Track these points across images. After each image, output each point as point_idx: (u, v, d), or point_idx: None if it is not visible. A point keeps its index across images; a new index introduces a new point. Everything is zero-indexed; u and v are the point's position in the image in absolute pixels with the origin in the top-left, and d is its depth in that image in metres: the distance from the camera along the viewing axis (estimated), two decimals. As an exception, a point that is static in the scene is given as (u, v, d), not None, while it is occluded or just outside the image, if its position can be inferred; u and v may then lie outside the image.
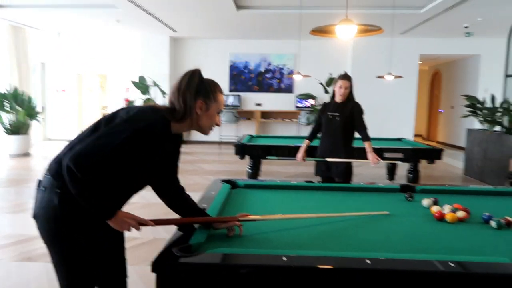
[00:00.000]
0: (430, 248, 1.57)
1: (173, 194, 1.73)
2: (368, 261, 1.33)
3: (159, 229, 3.80)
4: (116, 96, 10.92)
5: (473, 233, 1.80)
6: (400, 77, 7.37)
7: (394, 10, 6.62)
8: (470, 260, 1.38)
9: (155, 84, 9.51)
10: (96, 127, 1.53)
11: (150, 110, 1.53)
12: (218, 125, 1.65)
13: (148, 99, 9.31)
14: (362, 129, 3.54)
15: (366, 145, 3.55)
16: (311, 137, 3.81)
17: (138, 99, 9.37)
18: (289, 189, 2.59)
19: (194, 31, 9.81)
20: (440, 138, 12.55)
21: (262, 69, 11.07)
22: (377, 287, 1.32)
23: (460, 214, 1.96)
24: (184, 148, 8.63)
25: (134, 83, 9.20)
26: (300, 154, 3.80)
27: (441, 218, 1.96)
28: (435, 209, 2.04)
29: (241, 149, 4.98)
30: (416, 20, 7.74)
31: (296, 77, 7.86)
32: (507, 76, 6.82)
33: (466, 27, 8.34)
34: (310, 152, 3.93)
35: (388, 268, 1.32)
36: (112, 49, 10.44)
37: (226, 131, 10.92)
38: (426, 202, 2.21)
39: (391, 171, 6.33)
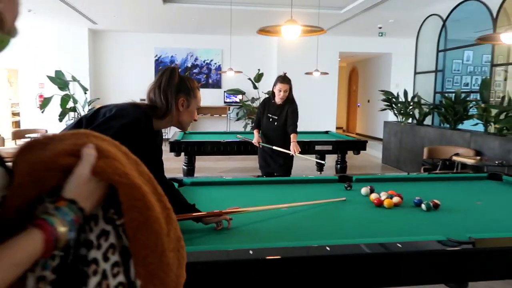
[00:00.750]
0: (377, 232, 1.73)
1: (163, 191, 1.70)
2: (328, 248, 1.43)
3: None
4: (28, 92, 10.01)
5: (408, 216, 2.01)
6: (326, 73, 7.79)
7: (319, 10, 6.94)
8: (411, 240, 1.55)
9: (74, 79, 8.89)
10: (77, 127, 1.52)
11: (131, 107, 1.56)
12: (195, 120, 1.70)
13: (67, 96, 8.67)
14: (291, 124, 3.60)
15: (292, 137, 3.60)
16: (258, 126, 3.85)
17: (56, 96, 8.68)
18: (236, 184, 2.63)
19: (116, 24, 9.33)
20: (359, 130, 13.48)
21: (189, 64, 10.91)
22: (336, 271, 1.42)
23: (396, 199, 2.17)
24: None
25: (50, 78, 8.49)
26: (256, 139, 3.80)
27: (379, 204, 2.14)
28: (373, 196, 2.23)
29: (176, 146, 4.90)
30: (337, 19, 8.20)
31: (229, 73, 7.91)
32: (416, 73, 7.55)
33: (380, 28, 9.05)
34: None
35: (345, 253, 1.43)
36: (24, 42, 9.51)
37: (154, 128, 10.59)
38: (364, 190, 2.39)
39: (320, 163, 6.67)
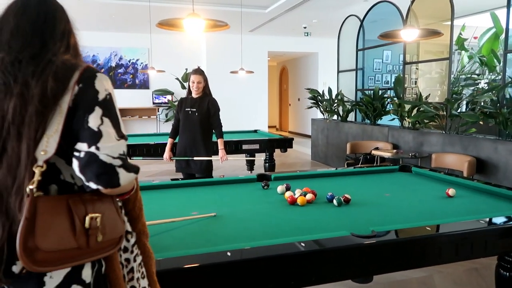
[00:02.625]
0: (285, 232, 1.69)
1: None
2: (229, 254, 1.36)
3: None
4: None
5: (319, 212, 2.01)
6: (251, 72, 7.80)
7: (241, 9, 6.93)
8: (318, 237, 1.54)
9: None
10: None
11: None
12: None
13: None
14: (217, 126, 3.63)
15: (219, 142, 3.67)
16: (173, 134, 3.72)
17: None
18: (149, 189, 2.48)
19: (28, 20, 8.57)
20: (291, 128, 13.78)
21: (113, 64, 10.38)
22: (241, 276, 1.35)
23: (308, 196, 2.17)
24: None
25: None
26: (166, 154, 3.68)
27: (293, 202, 2.13)
28: (287, 194, 2.21)
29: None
30: (262, 19, 8.27)
31: (151, 72, 7.61)
32: (339, 71, 7.84)
33: (304, 27, 9.29)
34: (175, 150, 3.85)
35: (250, 257, 1.37)
36: None
37: (76, 132, 9.93)
38: (280, 188, 2.37)
39: (250, 162, 6.68)
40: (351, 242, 1.51)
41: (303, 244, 1.45)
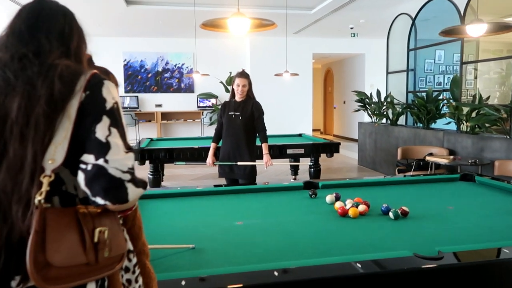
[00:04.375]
0: (337, 248, 1.53)
1: None
2: (276, 273, 1.22)
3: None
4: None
5: (374, 226, 1.83)
6: (296, 74, 7.63)
7: (287, 10, 6.79)
8: (376, 257, 1.36)
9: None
10: None
11: None
12: None
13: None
14: (261, 130, 3.51)
15: (263, 147, 3.55)
16: (217, 139, 3.66)
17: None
18: (192, 195, 2.41)
19: (81, 28, 8.94)
20: (336, 131, 13.42)
21: (159, 69, 10.60)
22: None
23: (361, 208, 1.99)
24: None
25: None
26: (210, 159, 3.62)
27: (344, 214, 1.96)
28: (337, 205, 2.04)
29: (139, 154, 4.63)
30: (308, 20, 8.08)
31: (195, 76, 7.65)
32: (388, 73, 7.48)
33: (351, 28, 8.98)
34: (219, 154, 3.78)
35: (300, 278, 1.23)
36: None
37: (125, 135, 10.23)
38: (329, 198, 2.21)
39: (295, 167, 6.51)
40: (415, 264, 1.32)
41: (359, 265, 1.28)
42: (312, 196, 2.34)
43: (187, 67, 10.60)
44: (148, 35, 9.87)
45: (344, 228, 1.80)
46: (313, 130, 12.09)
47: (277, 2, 6.58)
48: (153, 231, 1.74)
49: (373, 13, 7.41)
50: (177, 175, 6.98)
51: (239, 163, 3.39)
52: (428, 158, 4.73)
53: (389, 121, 6.83)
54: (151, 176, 4.91)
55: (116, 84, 1.37)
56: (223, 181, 3.76)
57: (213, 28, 2.39)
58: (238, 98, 3.50)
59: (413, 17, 6.59)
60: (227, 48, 10.73)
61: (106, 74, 1.34)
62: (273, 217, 1.97)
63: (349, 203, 2.06)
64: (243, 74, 3.48)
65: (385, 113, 6.84)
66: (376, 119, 6.97)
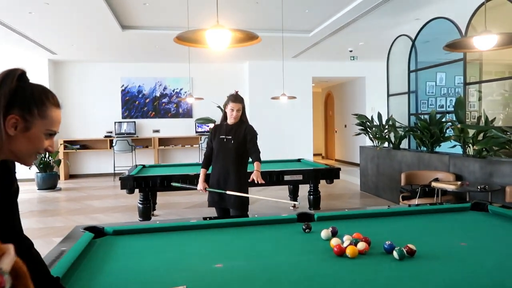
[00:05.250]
0: (331, 301, 1.26)
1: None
2: None
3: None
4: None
5: (376, 268, 1.56)
6: (294, 97, 7.46)
7: (284, 34, 6.69)
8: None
9: (32, 113, 8.32)
10: None
11: None
12: (50, 151, 1.14)
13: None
14: (254, 152, 3.29)
15: (255, 165, 3.31)
16: (206, 164, 3.43)
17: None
18: (171, 230, 2.15)
19: (77, 54, 8.89)
20: (338, 156, 13.17)
21: (157, 94, 10.49)
22: None
23: (361, 246, 1.72)
24: (68, 183, 7.45)
25: (5, 112, 7.93)
26: (201, 184, 3.39)
27: (341, 253, 1.69)
28: (334, 242, 1.78)
29: (127, 183, 4.39)
30: (306, 43, 7.99)
31: (192, 101, 7.51)
32: (389, 95, 7.31)
33: (350, 51, 8.89)
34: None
35: None
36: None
37: (121, 161, 10.03)
38: (324, 233, 1.94)
39: (294, 193, 6.24)
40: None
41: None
42: (306, 230, 2.08)
43: (185, 92, 10.49)
44: (146, 60, 9.81)
45: (340, 271, 1.53)
46: (314, 155, 11.84)
47: (274, 25, 6.47)
48: (113, 277, 1.48)
49: (372, 36, 7.31)
50: (171, 203, 6.71)
51: (228, 192, 3.14)
52: (434, 184, 4.46)
53: (391, 145, 6.59)
54: (140, 206, 4.65)
55: (58, 105, 1.14)
56: (214, 210, 3.50)
57: (187, 43, 2.19)
58: (230, 122, 3.29)
59: (413, 38, 6.46)
60: (225, 73, 10.65)
61: (44, 93, 1.12)
62: (258, 258, 1.71)
63: (347, 239, 1.80)
64: (238, 99, 3.28)
65: (387, 136, 6.61)
66: (378, 143, 6.73)
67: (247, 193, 3.25)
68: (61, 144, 9.51)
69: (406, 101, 6.68)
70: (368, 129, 7.03)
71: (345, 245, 1.74)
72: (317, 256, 1.71)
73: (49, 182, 8.39)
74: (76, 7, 5.51)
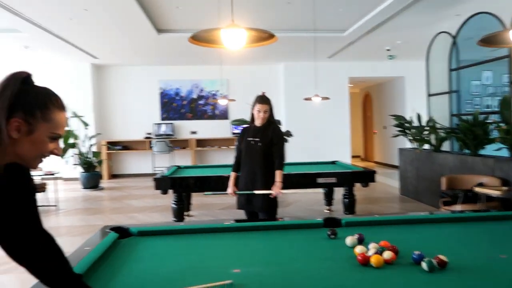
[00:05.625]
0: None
1: (26, 247, 1.20)
2: None
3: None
4: (33, 130, 9.91)
5: (402, 280, 1.46)
6: (327, 98, 7.31)
7: (317, 34, 6.58)
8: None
9: (76, 115, 8.73)
10: None
11: None
12: (55, 154, 1.13)
13: (68, 131, 8.48)
14: (277, 157, 3.23)
15: (276, 174, 3.23)
16: (236, 167, 3.43)
17: (57, 133, 8.51)
18: (195, 233, 2.15)
19: (117, 58, 9.23)
20: (377, 158, 12.81)
21: (194, 96, 10.67)
22: None
23: (387, 255, 1.63)
24: (110, 183, 7.71)
25: (51, 115, 8.36)
26: (230, 188, 3.39)
27: (365, 262, 1.61)
28: (358, 250, 1.70)
29: (161, 183, 4.47)
30: (341, 43, 7.82)
31: (221, 102, 7.63)
32: (429, 95, 6.99)
33: (388, 50, 8.60)
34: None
35: None
36: (27, 79, 9.50)
37: (160, 161, 10.28)
38: (349, 240, 1.86)
39: (329, 196, 6.11)
40: None
41: None
42: (331, 236, 2.00)
43: (221, 94, 10.59)
44: (182, 63, 10.01)
45: (362, 281, 1.45)
46: (353, 157, 11.59)
47: (306, 25, 6.38)
48: (130, 278, 1.49)
49: (410, 33, 7.03)
50: (206, 204, 6.78)
51: (255, 191, 3.11)
52: (477, 189, 4.20)
53: (432, 147, 6.30)
54: (174, 206, 4.72)
55: (62, 108, 1.15)
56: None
57: (205, 43, 2.18)
58: (258, 123, 3.26)
59: (454, 35, 6.14)
60: (260, 74, 10.65)
61: (48, 96, 1.13)
62: (278, 264, 1.66)
63: (372, 247, 1.71)
64: (264, 100, 3.24)
65: (427, 138, 6.32)
66: (417, 145, 6.45)
67: (276, 200, 3.19)
68: (103, 145, 9.89)
69: (447, 101, 6.36)
70: (407, 131, 6.76)
71: (370, 253, 1.65)
72: (339, 264, 1.64)
73: (92, 181, 8.74)
74: (113, 13, 5.70)
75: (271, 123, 3.28)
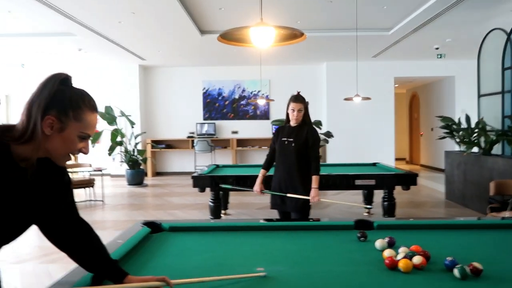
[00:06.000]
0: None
1: (67, 234, 1.32)
2: None
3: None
4: (85, 128, 10.48)
5: (429, 286, 1.40)
6: (368, 98, 7.12)
7: (361, 32, 6.43)
8: None
9: (123, 114, 9.12)
10: None
11: None
12: (84, 152, 1.20)
13: (116, 130, 8.89)
14: (313, 160, 3.18)
15: (313, 179, 3.18)
16: (267, 165, 3.43)
17: (106, 130, 8.95)
18: (225, 230, 2.18)
19: (163, 59, 9.54)
20: (423, 161, 12.32)
21: (236, 96, 10.80)
22: None
23: (416, 260, 1.56)
24: (154, 180, 7.99)
25: (100, 113, 8.78)
26: (257, 186, 3.40)
27: (392, 266, 1.56)
28: (387, 253, 1.65)
29: (198, 181, 4.57)
30: (386, 42, 7.59)
31: (260, 102, 7.68)
32: (480, 96, 6.62)
33: (437, 48, 8.23)
34: (268, 182, 3.53)
35: None
36: (80, 79, 10.06)
37: (201, 160, 10.51)
38: (379, 243, 1.81)
39: (368, 198, 5.96)
40: None
41: None
42: (361, 239, 1.96)
43: (262, 94, 10.64)
44: (225, 63, 10.16)
45: (387, 285, 1.41)
46: (397, 159, 11.23)
47: (349, 24, 6.26)
48: (155, 273, 1.53)
49: (461, 31, 6.70)
50: (244, 203, 6.84)
51: (289, 195, 3.10)
52: (528, 195, 3.92)
53: (481, 150, 5.96)
54: (212, 204, 4.81)
55: (94, 109, 1.21)
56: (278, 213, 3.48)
57: (233, 42, 2.19)
58: (292, 123, 3.25)
59: (509, 32, 5.77)
60: (303, 74, 10.59)
61: (81, 97, 1.19)
62: (303, 264, 1.64)
63: (402, 252, 1.65)
64: (298, 98, 3.22)
65: (475, 141, 5.99)
66: (465, 147, 6.13)
67: (309, 201, 3.16)
68: (148, 144, 10.26)
69: (499, 102, 5.99)
70: (455, 133, 6.44)
71: (398, 257, 1.60)
72: (366, 267, 1.60)
73: (137, 178, 9.10)
74: (159, 16, 5.90)
75: (306, 123, 3.25)
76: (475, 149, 6.17)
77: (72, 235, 1.32)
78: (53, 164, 1.22)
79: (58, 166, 1.25)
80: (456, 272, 1.47)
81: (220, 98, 10.81)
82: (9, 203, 1.15)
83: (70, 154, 1.18)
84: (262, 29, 1.97)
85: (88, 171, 6.88)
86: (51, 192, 1.26)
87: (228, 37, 2.16)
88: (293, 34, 2.09)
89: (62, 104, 1.12)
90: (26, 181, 1.17)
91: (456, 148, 7.30)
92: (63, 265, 3.74)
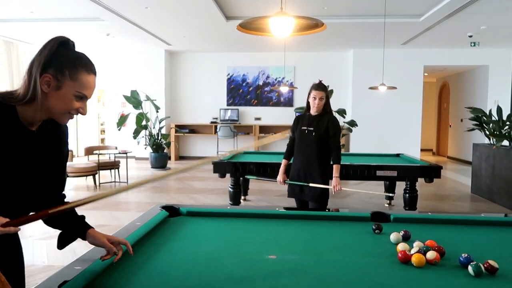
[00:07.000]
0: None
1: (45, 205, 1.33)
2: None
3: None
4: (112, 111, 10.73)
5: (442, 282, 1.39)
6: (394, 88, 6.95)
7: (391, 19, 6.24)
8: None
9: (148, 98, 9.27)
10: None
11: None
12: (81, 113, 1.25)
13: (141, 114, 9.06)
14: (334, 149, 3.16)
15: (334, 168, 3.18)
16: (288, 155, 3.43)
17: (132, 114, 9.13)
18: (241, 217, 2.21)
19: (188, 44, 9.58)
20: (450, 153, 11.99)
21: (260, 82, 10.76)
22: None
23: (430, 255, 1.54)
24: (177, 164, 8.13)
25: (126, 97, 8.97)
26: (280, 176, 3.41)
27: (405, 260, 1.54)
28: (400, 247, 1.63)
29: (219, 167, 4.62)
30: (417, 29, 7.35)
31: (283, 89, 7.60)
32: (514, 86, 6.36)
33: (470, 36, 7.92)
34: (288, 172, 3.52)
35: None
36: (108, 63, 10.29)
37: (224, 146, 10.59)
38: (394, 236, 1.80)
39: (390, 190, 5.87)
40: None
41: None
42: (376, 231, 1.94)
43: (287, 81, 10.56)
44: (250, 49, 10.11)
45: (398, 279, 1.40)
46: (422, 150, 10.99)
47: (377, 10, 6.09)
48: (168, 255, 1.58)
49: (496, 18, 6.40)
50: (264, 190, 6.87)
51: (310, 184, 3.09)
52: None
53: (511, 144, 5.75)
54: (231, 190, 4.86)
55: (91, 71, 1.25)
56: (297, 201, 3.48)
57: (251, 31, 2.17)
58: (313, 112, 3.22)
59: (548, 20, 5.48)
60: (328, 62, 10.43)
61: (79, 59, 1.23)
62: (316, 253, 1.65)
63: (416, 246, 1.63)
64: (320, 86, 3.18)
65: (506, 134, 5.77)
66: (495, 140, 5.93)
67: (328, 191, 3.15)
68: (172, 128, 10.41)
69: (534, 93, 5.73)
70: (485, 125, 6.23)
71: (412, 252, 1.58)
72: (378, 260, 1.59)
73: (160, 161, 9.28)
74: (185, 1, 5.91)
75: (327, 112, 3.21)
76: (505, 143, 5.95)
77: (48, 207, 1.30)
78: (57, 132, 1.32)
79: (61, 135, 1.36)
80: (470, 269, 1.44)
81: (244, 84, 10.80)
82: (19, 161, 1.22)
83: (70, 113, 1.25)
84: (281, 19, 1.95)
85: (114, 154, 7.07)
86: (52, 158, 1.34)
87: (248, 26, 2.14)
88: (314, 24, 2.06)
89: (59, 64, 1.19)
90: (33, 142, 1.26)
91: (486, 141, 7.07)
92: (87, 243, 3.88)
